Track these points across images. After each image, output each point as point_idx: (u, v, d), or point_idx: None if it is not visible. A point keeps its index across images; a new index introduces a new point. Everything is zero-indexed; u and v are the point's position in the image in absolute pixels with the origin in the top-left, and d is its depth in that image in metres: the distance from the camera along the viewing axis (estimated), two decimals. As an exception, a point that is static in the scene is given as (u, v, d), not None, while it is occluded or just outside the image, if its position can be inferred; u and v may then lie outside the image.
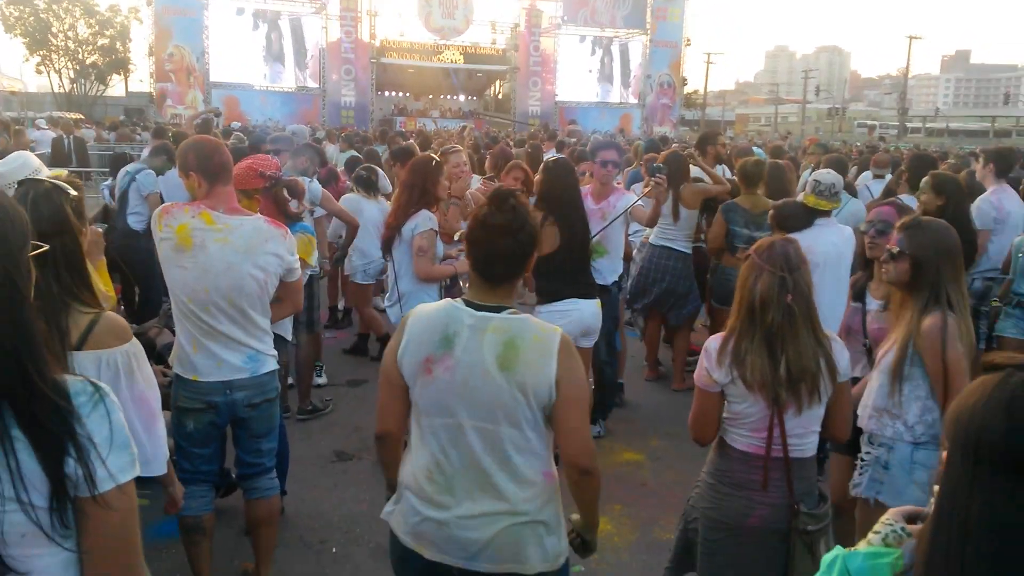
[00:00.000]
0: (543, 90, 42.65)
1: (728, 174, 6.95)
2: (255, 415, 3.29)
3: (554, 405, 2.12)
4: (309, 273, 4.64)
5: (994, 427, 1.11)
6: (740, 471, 2.57)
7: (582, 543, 2.38)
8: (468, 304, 2.20)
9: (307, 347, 5.66)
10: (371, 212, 6.52)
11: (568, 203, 4.67)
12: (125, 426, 1.33)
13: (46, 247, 1.39)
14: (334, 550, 3.99)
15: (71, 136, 15.02)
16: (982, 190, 5.85)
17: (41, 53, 47.45)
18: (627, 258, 6.02)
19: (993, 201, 5.60)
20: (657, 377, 6.68)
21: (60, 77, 48.94)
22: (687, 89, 55.13)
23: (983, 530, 1.11)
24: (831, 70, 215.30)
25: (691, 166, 6.38)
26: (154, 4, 35.98)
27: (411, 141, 10.49)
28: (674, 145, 7.75)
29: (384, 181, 7.33)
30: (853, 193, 6.91)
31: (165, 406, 2.83)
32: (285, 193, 4.22)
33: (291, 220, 4.16)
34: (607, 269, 5.21)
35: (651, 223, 5.41)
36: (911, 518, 1.36)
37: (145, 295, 6.81)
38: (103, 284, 3.07)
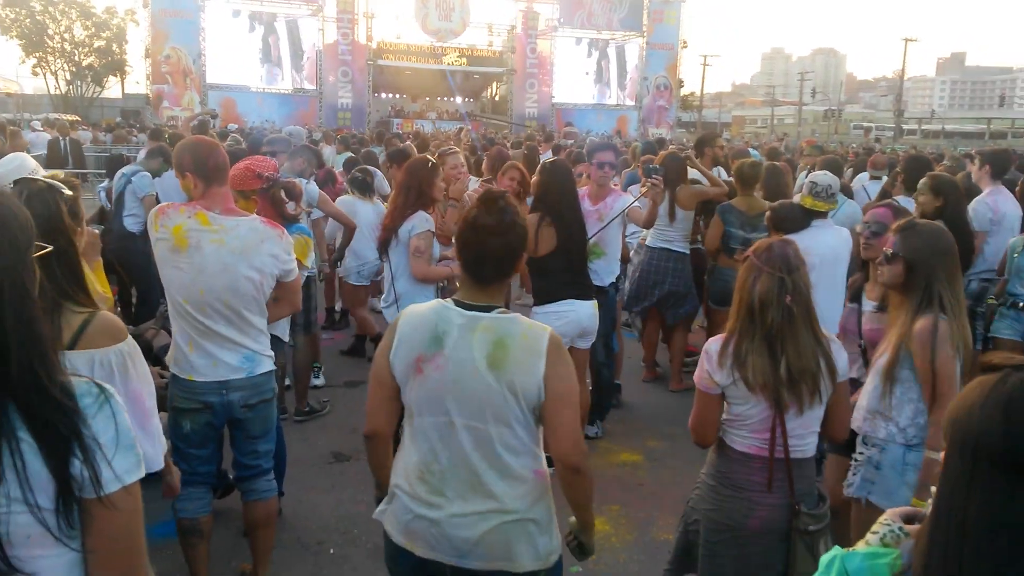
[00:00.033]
0: (540, 92, 42.69)
1: (725, 176, 6.96)
2: (252, 416, 3.29)
3: (543, 404, 2.13)
4: (306, 274, 4.64)
5: (992, 427, 1.11)
6: (741, 472, 2.57)
7: (579, 545, 2.39)
8: (458, 304, 2.22)
9: (304, 348, 5.66)
10: (366, 214, 6.52)
11: (565, 204, 4.67)
12: (131, 427, 1.33)
13: (50, 248, 1.39)
14: (332, 551, 3.99)
15: (67, 138, 14.99)
16: (978, 192, 5.86)
17: (37, 55, 47.39)
18: (624, 259, 6.02)
19: (989, 203, 5.62)
20: (655, 378, 6.69)
21: (56, 79, 48.91)
22: (683, 91, 55.22)
23: (981, 530, 1.11)
24: (827, 72, 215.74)
25: (689, 168, 6.38)
26: (150, 6, 35.96)
27: (408, 143, 10.49)
28: (671, 147, 7.75)
29: (382, 182, 7.33)
30: (849, 195, 6.92)
31: (162, 407, 2.83)
32: (282, 195, 4.22)
33: (288, 222, 4.16)
34: (604, 270, 5.22)
35: (648, 224, 5.42)
36: (909, 518, 1.37)
37: (142, 297, 6.80)
38: (100, 285, 3.07)
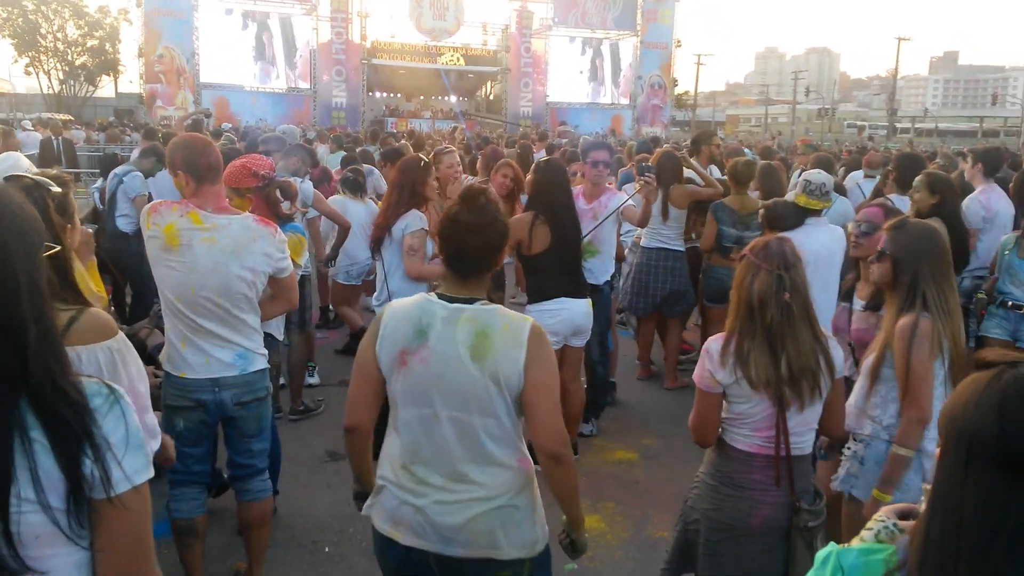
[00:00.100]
0: (534, 91, 42.71)
1: (718, 174, 6.96)
2: (245, 414, 3.28)
3: (522, 391, 2.16)
4: (300, 274, 4.64)
5: (986, 425, 1.12)
6: (742, 471, 2.57)
7: (571, 543, 2.39)
8: (441, 297, 2.25)
9: (299, 347, 5.65)
10: (357, 213, 6.50)
11: (559, 203, 4.68)
12: (140, 428, 1.34)
13: (58, 248, 1.39)
14: (327, 549, 3.99)
15: (59, 137, 14.93)
16: (971, 190, 5.88)
17: (30, 54, 47.20)
18: (619, 258, 6.03)
19: (982, 200, 5.64)
20: (649, 376, 6.69)
21: (49, 78, 48.71)
22: (678, 90, 55.30)
23: (976, 527, 1.11)
24: (821, 71, 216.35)
25: (684, 168, 6.38)
26: (143, 5, 35.83)
27: (404, 142, 10.47)
28: (666, 145, 7.77)
29: (379, 181, 7.31)
30: (842, 193, 6.94)
31: (156, 407, 2.82)
32: (278, 194, 4.21)
33: (282, 221, 4.16)
34: (599, 269, 5.22)
35: (642, 223, 5.41)
36: (904, 515, 1.37)
37: (136, 296, 6.78)
38: (94, 284, 3.06)
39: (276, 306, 3.43)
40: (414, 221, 4.47)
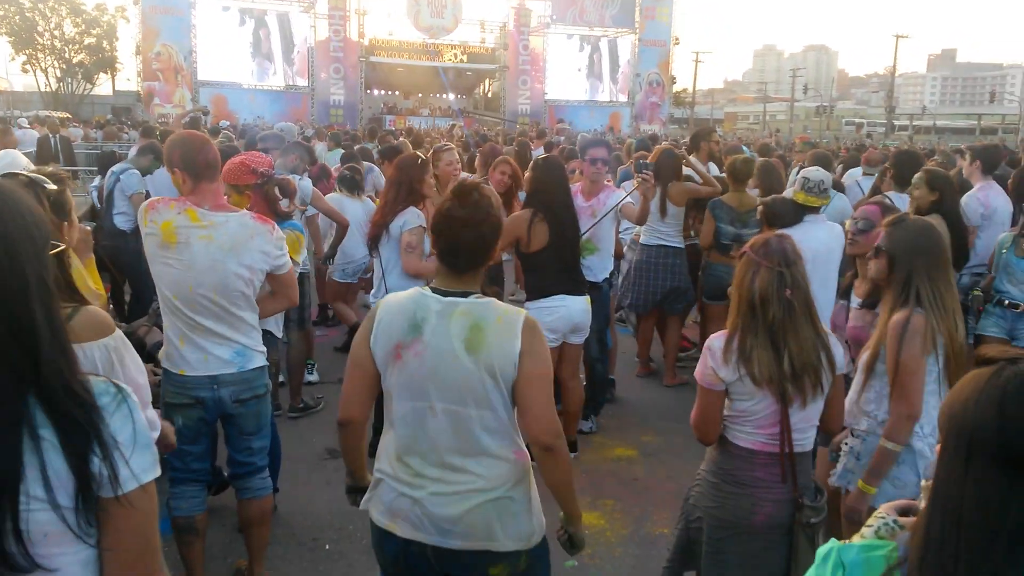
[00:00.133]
0: (532, 89, 42.67)
1: (717, 172, 6.96)
2: (244, 411, 3.28)
3: (515, 381, 2.17)
4: (299, 271, 4.63)
5: (986, 422, 1.12)
6: (744, 469, 2.57)
7: (569, 539, 2.40)
8: (435, 291, 2.26)
9: (298, 345, 5.65)
10: (354, 211, 6.49)
11: (558, 200, 4.67)
12: (147, 427, 1.34)
13: (63, 246, 1.39)
14: (327, 547, 3.99)
15: (57, 135, 14.92)
16: (969, 187, 5.89)
17: (27, 52, 47.09)
18: (618, 256, 6.02)
19: (980, 197, 5.64)
20: (649, 373, 6.70)
21: (47, 76, 48.60)
22: (676, 88, 55.26)
23: (976, 524, 1.11)
24: (819, 69, 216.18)
25: (684, 166, 6.37)
26: (141, 3, 35.77)
27: (402, 139, 10.46)
28: (664, 143, 7.77)
29: (379, 178, 7.30)
30: (840, 190, 6.94)
31: (155, 405, 2.82)
32: (276, 191, 4.21)
33: (281, 218, 4.15)
34: (598, 266, 5.22)
35: (640, 221, 5.40)
36: (904, 511, 1.37)
37: (135, 294, 6.78)
38: (93, 282, 3.05)
39: (276, 303, 3.42)
40: (412, 218, 4.47)
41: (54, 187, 2.40)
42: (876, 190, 6.64)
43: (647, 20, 43.58)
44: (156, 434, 2.50)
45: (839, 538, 1.37)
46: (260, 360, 3.30)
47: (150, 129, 9.97)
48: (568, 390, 4.97)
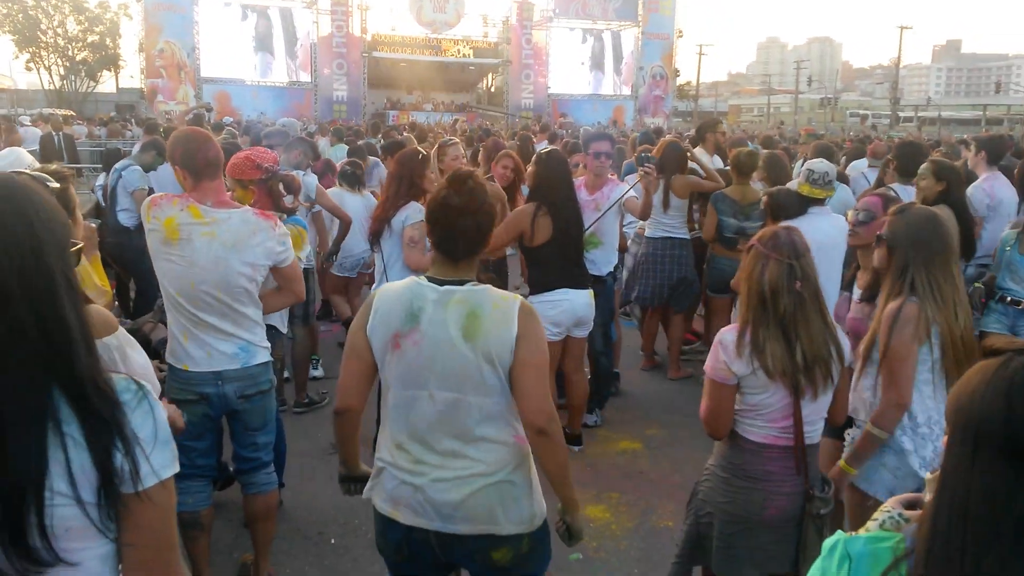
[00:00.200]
0: (536, 83, 42.60)
1: (721, 164, 6.94)
2: (249, 407, 3.28)
3: (511, 366, 2.18)
4: (302, 266, 4.64)
5: (993, 414, 1.11)
6: (755, 463, 2.56)
7: (567, 529, 2.40)
8: (431, 280, 2.27)
9: (303, 340, 5.66)
10: (354, 206, 6.49)
11: (561, 194, 4.67)
12: (167, 423, 1.36)
13: (81, 244, 1.40)
14: (332, 541, 4.00)
15: (60, 133, 14.94)
16: (974, 178, 5.86)
17: (30, 50, 47.16)
18: (622, 249, 6.01)
19: (986, 188, 5.62)
20: (653, 367, 6.69)
21: (50, 74, 48.69)
22: (679, 81, 55.15)
23: (983, 516, 1.11)
24: (823, 61, 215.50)
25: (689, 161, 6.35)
26: (144, 0, 35.77)
27: (407, 135, 10.46)
28: (668, 136, 7.76)
29: (384, 174, 7.27)
30: (844, 181, 6.92)
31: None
32: (280, 188, 4.21)
33: (284, 214, 4.15)
34: (602, 260, 5.22)
35: (643, 215, 5.36)
36: (910, 505, 1.37)
37: (140, 291, 6.79)
38: (99, 279, 3.06)
39: (282, 298, 3.42)
40: (414, 213, 4.47)
41: (58, 185, 2.40)
42: (880, 182, 6.62)
43: (650, 13, 43.44)
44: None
45: (841, 528, 1.37)
46: (264, 356, 3.31)
47: (154, 126, 9.97)
48: (572, 384, 4.97)
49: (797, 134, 21.52)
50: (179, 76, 36.09)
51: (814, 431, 2.58)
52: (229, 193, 3.51)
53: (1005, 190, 5.68)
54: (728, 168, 6.33)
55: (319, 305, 7.32)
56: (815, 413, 2.56)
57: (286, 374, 5.60)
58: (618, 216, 5.30)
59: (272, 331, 3.66)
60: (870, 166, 8.29)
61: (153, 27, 35.73)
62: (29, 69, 48.78)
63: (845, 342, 2.61)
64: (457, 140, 6.28)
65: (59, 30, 48.12)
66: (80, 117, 30.03)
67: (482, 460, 2.22)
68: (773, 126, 37.22)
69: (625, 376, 6.29)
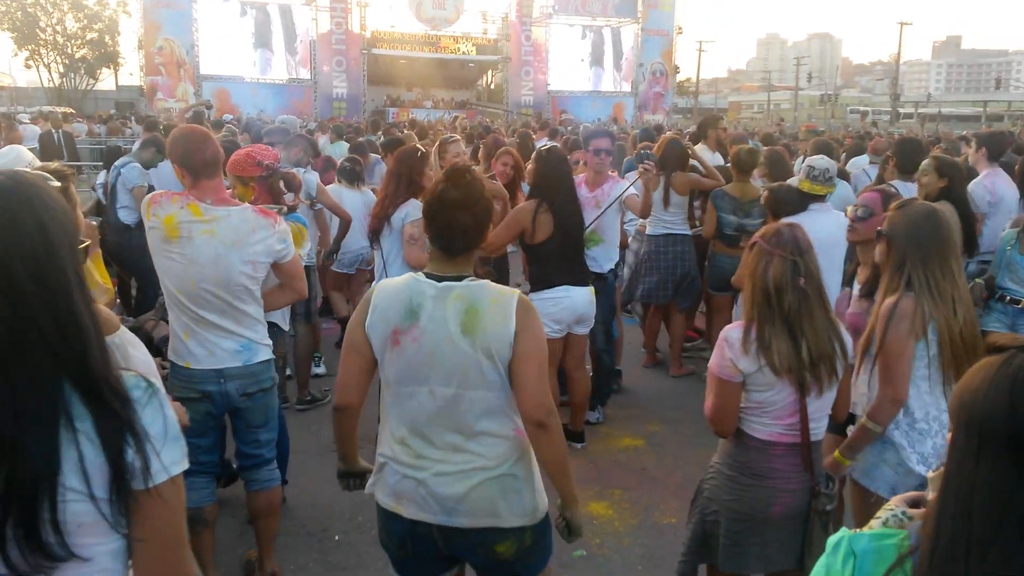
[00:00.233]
0: (535, 80, 42.55)
1: (722, 161, 6.94)
2: (251, 405, 3.29)
3: (510, 360, 2.19)
4: (303, 263, 4.64)
5: (997, 410, 1.12)
6: (761, 461, 2.56)
7: (566, 525, 2.40)
8: (429, 276, 2.27)
9: (305, 338, 5.67)
10: (353, 202, 6.48)
11: (561, 191, 4.68)
12: (176, 420, 1.36)
13: (88, 242, 1.40)
14: (336, 538, 4.01)
15: (60, 130, 14.93)
16: (975, 175, 5.86)
17: (30, 48, 47.04)
18: (623, 246, 6.01)
19: (987, 185, 5.61)
20: (655, 364, 6.70)
21: (50, 72, 48.57)
22: (679, 77, 55.08)
23: (987, 513, 1.11)
24: (823, 57, 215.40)
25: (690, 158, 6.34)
26: (143, -3, 35.75)
27: (407, 132, 10.45)
28: (669, 132, 7.75)
29: (384, 169, 7.27)
30: (844, 178, 6.92)
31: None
32: (281, 185, 4.21)
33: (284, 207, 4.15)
34: (603, 257, 5.22)
35: (644, 213, 5.34)
36: (914, 503, 1.38)
37: (141, 288, 6.79)
38: (100, 276, 3.06)
39: (284, 296, 3.43)
40: (413, 210, 4.46)
41: (58, 183, 2.40)
42: (880, 179, 6.62)
43: (650, 9, 43.40)
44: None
45: (845, 525, 1.37)
46: (266, 353, 3.31)
47: (153, 123, 9.99)
48: (574, 381, 4.98)
49: (797, 131, 21.51)
50: (178, 73, 36.07)
51: (819, 428, 2.59)
52: (230, 190, 3.52)
53: (1006, 186, 5.68)
54: (729, 165, 6.33)
55: (321, 302, 7.33)
56: (820, 410, 2.56)
57: (288, 371, 5.60)
58: (619, 213, 5.30)
59: (274, 328, 3.67)
60: (872, 163, 8.29)
61: (152, 24, 35.70)
62: (28, 67, 48.69)
63: (847, 338, 2.61)
64: (458, 137, 6.28)
65: (58, 27, 48.00)
66: (80, 115, 29.99)
67: (483, 454, 2.24)
68: (773, 123, 37.16)
69: (627, 373, 6.30)
